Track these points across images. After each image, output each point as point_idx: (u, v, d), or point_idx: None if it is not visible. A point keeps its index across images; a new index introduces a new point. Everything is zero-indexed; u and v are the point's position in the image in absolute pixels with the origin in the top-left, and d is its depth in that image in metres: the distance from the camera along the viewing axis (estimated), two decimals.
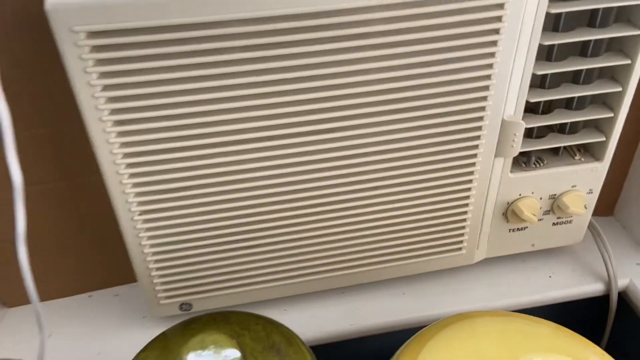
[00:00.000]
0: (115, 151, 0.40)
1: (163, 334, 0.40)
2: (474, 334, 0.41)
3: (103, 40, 0.35)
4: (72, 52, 0.35)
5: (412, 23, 0.38)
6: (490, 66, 0.41)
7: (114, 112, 0.38)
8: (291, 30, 0.37)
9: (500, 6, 0.39)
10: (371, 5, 0.37)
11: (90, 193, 0.50)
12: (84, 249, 0.54)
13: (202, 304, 0.51)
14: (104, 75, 0.37)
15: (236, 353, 0.34)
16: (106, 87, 0.37)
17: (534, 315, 0.44)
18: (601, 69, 0.46)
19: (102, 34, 0.35)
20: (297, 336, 0.40)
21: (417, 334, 0.42)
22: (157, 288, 0.49)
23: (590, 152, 0.51)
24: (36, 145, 0.46)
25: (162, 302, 0.50)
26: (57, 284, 0.55)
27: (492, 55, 0.41)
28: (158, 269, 0.48)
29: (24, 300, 0.56)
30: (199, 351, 0.34)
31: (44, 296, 0.56)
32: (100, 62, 0.36)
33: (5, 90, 0.37)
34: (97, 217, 0.52)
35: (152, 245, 0.46)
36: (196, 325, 0.38)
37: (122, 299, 0.56)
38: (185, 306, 0.51)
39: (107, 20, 0.34)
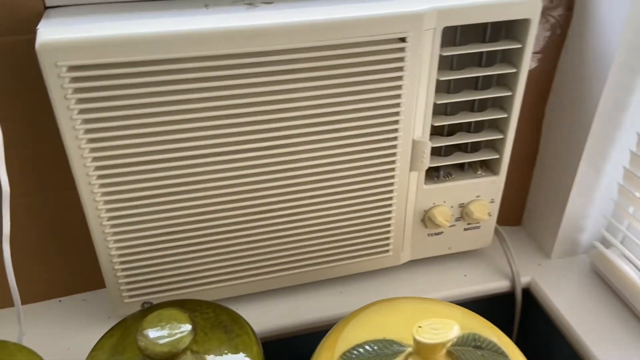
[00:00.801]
0: (88, 164, 0.48)
1: (124, 320, 0.47)
2: (390, 312, 0.49)
3: (81, 73, 0.44)
4: (55, 83, 0.43)
5: (332, 62, 0.48)
6: (398, 96, 0.52)
7: (88, 131, 0.46)
8: (233, 66, 0.46)
9: (402, 49, 0.49)
10: (297, 48, 0.46)
11: (62, 207, 0.57)
12: (56, 257, 0.60)
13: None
14: (80, 100, 0.45)
15: (188, 327, 0.41)
16: (82, 111, 0.45)
17: None
18: (492, 99, 0.57)
19: (80, 67, 0.43)
20: (241, 317, 0.48)
21: (347, 315, 0.51)
22: (122, 288, 0.56)
23: (490, 167, 0.62)
24: (15, 162, 0.53)
25: (125, 301, 0.57)
26: (29, 290, 0.61)
27: (399, 87, 0.51)
28: (123, 269, 0.55)
29: None
30: (156, 327, 0.41)
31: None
32: (78, 90, 0.44)
33: None
34: (68, 230, 0.59)
35: (118, 248, 0.53)
36: (155, 309, 0.45)
37: (89, 303, 0.63)
38: (146, 304, 0.58)
39: (85, 57, 0.43)
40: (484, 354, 0.44)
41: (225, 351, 0.45)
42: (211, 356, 0.44)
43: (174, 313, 0.42)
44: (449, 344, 0.41)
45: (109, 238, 0.52)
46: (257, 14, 0.47)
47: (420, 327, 0.41)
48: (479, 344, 0.45)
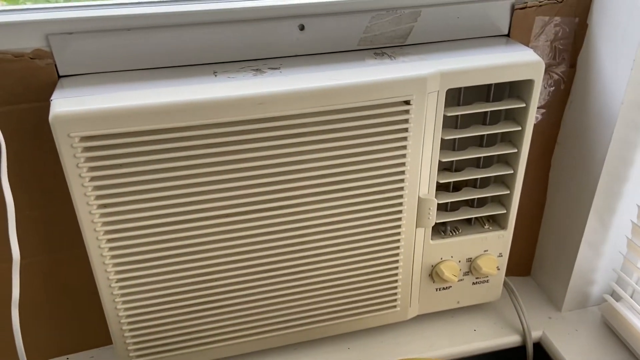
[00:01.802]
0: (98, 229, 0.48)
1: None
2: None
3: (93, 143, 0.45)
4: (68, 152, 0.44)
5: (338, 125, 0.49)
6: (404, 156, 0.52)
7: (99, 197, 0.47)
8: (241, 132, 0.47)
9: (406, 112, 0.50)
10: (304, 113, 0.47)
11: (71, 265, 0.58)
12: (64, 315, 0.60)
13: None
14: (92, 168, 0.46)
15: None
16: (93, 178, 0.46)
17: None
18: (497, 155, 0.58)
19: (92, 137, 0.44)
20: None
21: None
22: (130, 347, 0.56)
23: (497, 222, 0.62)
24: (25, 225, 0.54)
25: None
26: (38, 348, 0.61)
27: (404, 147, 0.52)
28: (131, 330, 0.55)
29: None
30: None
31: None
32: (90, 158, 0.45)
33: (9, 181, 0.46)
34: (75, 287, 0.59)
35: (126, 309, 0.53)
36: None
37: None
38: None
39: (97, 127, 0.44)
40: None
41: None
42: None
43: None
44: None
45: (117, 299, 0.53)
46: (265, 80, 0.48)
47: None
48: None
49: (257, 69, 0.50)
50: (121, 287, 0.52)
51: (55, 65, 0.48)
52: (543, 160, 0.65)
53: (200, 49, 0.50)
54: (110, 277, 0.51)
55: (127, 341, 0.56)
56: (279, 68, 0.50)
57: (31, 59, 0.47)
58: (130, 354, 0.57)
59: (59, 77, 0.48)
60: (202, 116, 0.45)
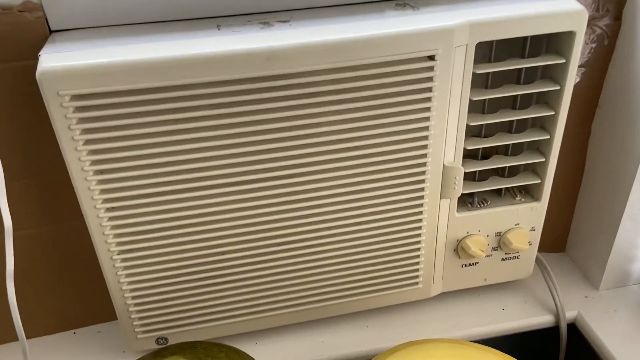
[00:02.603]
0: (95, 197, 0.45)
1: None
2: (422, 357, 0.45)
3: (85, 102, 0.41)
4: (58, 112, 0.41)
5: (354, 84, 0.44)
6: (427, 119, 0.47)
7: (95, 162, 0.44)
8: (249, 91, 0.43)
9: (430, 69, 0.45)
10: (317, 70, 0.43)
11: (73, 236, 0.55)
12: (69, 289, 0.58)
13: (178, 338, 0.55)
14: (85, 131, 0.42)
15: None
16: (88, 141, 0.43)
17: (491, 347, 0.48)
18: (532, 118, 0.52)
19: (84, 96, 0.41)
20: None
21: (372, 358, 0.46)
22: (135, 323, 0.53)
23: (530, 192, 0.56)
24: (22, 194, 0.51)
25: (139, 336, 0.54)
26: (42, 322, 0.59)
27: (428, 109, 0.47)
28: (136, 304, 0.52)
29: (7, 337, 0.59)
30: None
31: (30, 333, 0.59)
32: (83, 119, 0.42)
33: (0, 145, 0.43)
34: (80, 259, 0.56)
35: (130, 283, 0.50)
36: (165, 353, 0.42)
37: (104, 336, 0.60)
38: (161, 340, 0.55)
39: (88, 85, 0.40)
40: None
41: None
42: None
43: None
44: None
45: (119, 272, 0.50)
46: (273, 33, 0.43)
47: None
48: None
49: (264, 22, 0.45)
50: (123, 260, 0.49)
51: (46, 19, 0.44)
52: (582, 125, 0.59)
53: (203, 1, 0.46)
54: (112, 249, 0.48)
55: (132, 316, 0.53)
56: (288, 21, 0.45)
57: (20, 12, 0.43)
58: (136, 329, 0.54)
59: (51, 32, 0.44)
60: (203, 73, 0.41)
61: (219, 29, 0.44)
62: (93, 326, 0.61)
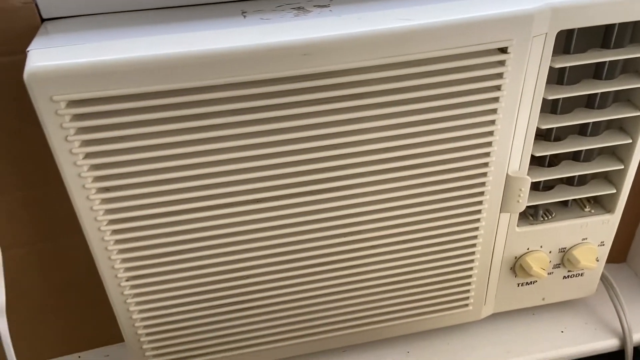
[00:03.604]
0: (100, 218, 0.38)
1: None
2: None
3: (84, 109, 0.33)
4: (52, 121, 0.33)
5: (407, 83, 0.36)
6: (492, 122, 0.40)
7: (98, 179, 0.36)
8: (278, 94, 0.35)
9: (501, 63, 0.37)
10: (364, 67, 0.35)
11: (73, 253, 0.48)
12: (70, 309, 0.52)
13: None
14: (86, 142, 0.35)
15: None
16: (89, 155, 0.35)
17: None
18: (609, 120, 0.44)
19: (83, 102, 0.33)
20: None
21: None
22: (147, 354, 0.47)
23: (601, 203, 0.49)
24: (15, 208, 0.44)
25: None
26: (44, 346, 0.53)
27: (494, 111, 0.39)
28: (147, 333, 0.46)
29: None
30: None
31: (33, 358, 0.53)
32: (82, 130, 0.34)
33: None
34: (82, 277, 0.50)
35: (141, 311, 0.44)
36: None
37: None
38: None
39: (87, 89, 0.33)
40: None
41: None
42: None
43: None
44: None
45: (129, 300, 0.43)
46: (311, 22, 0.35)
47: None
48: None
49: (299, 7, 0.37)
50: (133, 287, 0.42)
51: (37, 5, 0.36)
52: None
53: None
54: (120, 275, 0.41)
55: (144, 346, 0.46)
56: (328, 6, 0.38)
57: None
58: (147, 353, 0.47)
59: (42, 20, 0.37)
60: (226, 73, 0.33)
61: (244, 17, 0.37)
62: (99, 349, 0.55)
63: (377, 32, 0.34)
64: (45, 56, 0.33)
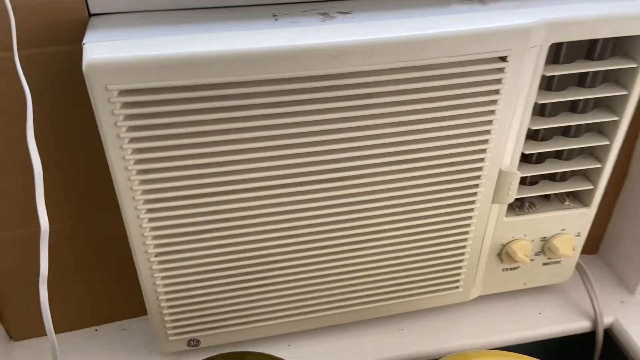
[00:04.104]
0: (137, 197, 0.42)
1: None
2: None
3: (134, 98, 0.37)
4: (105, 108, 0.37)
5: (418, 84, 0.41)
6: (490, 122, 0.45)
7: (139, 161, 0.40)
8: (306, 90, 0.39)
9: (501, 70, 0.42)
10: (382, 69, 0.40)
11: (98, 233, 0.51)
12: (90, 284, 0.55)
13: (210, 340, 0.53)
14: (132, 128, 0.39)
15: None
16: (133, 139, 0.39)
17: (524, 351, 0.47)
18: (590, 123, 0.50)
19: (133, 92, 0.37)
20: None
21: None
22: (168, 325, 0.51)
23: (579, 198, 0.54)
24: (54, 186, 0.47)
25: (171, 338, 0.52)
26: (63, 317, 0.56)
27: (492, 112, 0.44)
28: (170, 306, 0.49)
29: (29, 333, 0.57)
30: None
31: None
32: (130, 116, 0.38)
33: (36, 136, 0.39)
34: (105, 254, 0.53)
35: (166, 285, 0.48)
36: None
37: (128, 334, 0.57)
38: (193, 342, 0.53)
39: (140, 80, 0.36)
40: None
41: None
42: None
43: None
44: None
45: (156, 275, 0.47)
46: (335, 27, 0.40)
47: None
48: None
49: (324, 13, 0.42)
50: (161, 262, 0.46)
51: (86, 1, 0.40)
52: (632, 128, 0.57)
53: None
54: (150, 251, 0.45)
55: (165, 318, 0.50)
56: (350, 12, 0.42)
57: None
58: (168, 331, 0.51)
59: (90, 15, 0.40)
60: (264, 69, 0.38)
61: (275, 20, 0.41)
62: (116, 323, 0.59)
63: (398, 38, 0.39)
64: (101, 49, 0.36)
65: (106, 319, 0.58)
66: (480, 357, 0.46)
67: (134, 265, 0.47)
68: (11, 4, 0.35)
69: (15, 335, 0.56)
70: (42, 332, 0.57)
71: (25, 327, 0.56)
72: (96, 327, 0.58)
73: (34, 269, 0.50)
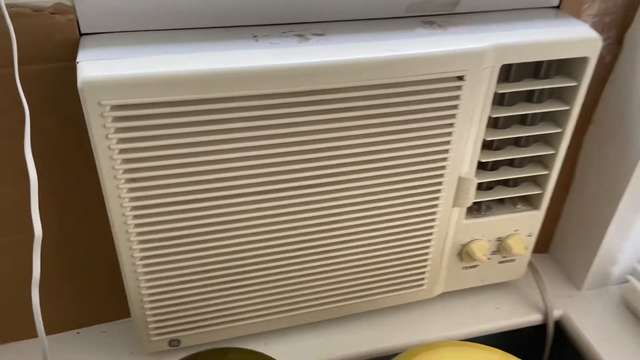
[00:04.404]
0: (125, 204, 0.45)
1: None
2: None
3: (125, 112, 0.40)
4: (97, 122, 0.40)
5: (385, 100, 0.45)
6: (449, 134, 0.49)
7: (127, 171, 0.43)
8: (281, 105, 0.43)
9: (458, 88, 0.47)
10: (352, 86, 0.44)
11: (82, 239, 0.54)
12: (72, 287, 0.57)
13: (190, 340, 0.56)
14: (122, 140, 0.42)
15: None
16: (122, 150, 0.42)
17: (484, 343, 0.52)
18: (538, 134, 0.55)
19: (123, 107, 0.40)
20: None
21: None
22: (150, 326, 0.53)
23: (530, 201, 0.60)
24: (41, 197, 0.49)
25: (153, 338, 0.54)
26: (45, 321, 0.58)
27: (451, 125, 0.49)
28: (152, 308, 0.52)
29: (12, 337, 0.58)
30: None
31: (32, 333, 0.58)
32: (120, 129, 0.41)
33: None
34: (87, 260, 0.55)
35: (149, 287, 0.50)
36: None
37: (109, 336, 0.60)
38: (174, 342, 0.56)
39: (130, 96, 0.39)
40: None
41: None
42: None
43: None
44: None
45: (140, 277, 0.49)
46: (313, 49, 0.44)
47: None
48: None
49: (300, 35, 0.46)
50: (145, 265, 0.49)
51: (77, 22, 0.42)
52: (574, 139, 0.63)
53: (238, 9, 0.45)
54: (135, 255, 0.48)
55: (148, 319, 0.53)
56: (323, 34, 0.46)
57: (51, 14, 0.41)
58: (151, 332, 0.54)
59: (81, 34, 0.43)
60: (245, 86, 0.41)
61: (256, 40, 0.44)
62: (97, 326, 0.61)
63: (366, 59, 0.43)
64: (94, 68, 0.39)
65: (88, 322, 0.60)
66: (444, 347, 0.51)
67: (115, 270, 0.49)
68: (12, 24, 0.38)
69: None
70: (23, 336, 0.58)
71: (9, 330, 0.57)
72: (78, 330, 0.60)
73: (19, 274, 0.53)
